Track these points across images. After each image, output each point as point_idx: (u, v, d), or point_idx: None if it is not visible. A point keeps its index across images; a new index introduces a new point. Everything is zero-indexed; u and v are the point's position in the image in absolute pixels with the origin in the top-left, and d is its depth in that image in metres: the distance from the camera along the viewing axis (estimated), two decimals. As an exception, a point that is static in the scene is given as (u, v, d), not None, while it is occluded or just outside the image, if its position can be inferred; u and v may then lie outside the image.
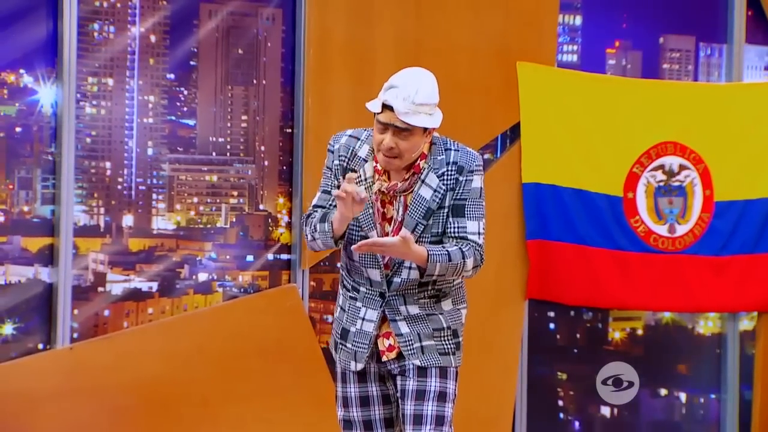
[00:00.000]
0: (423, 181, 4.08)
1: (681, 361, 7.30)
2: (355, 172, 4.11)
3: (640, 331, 7.22)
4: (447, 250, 4.02)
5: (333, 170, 4.16)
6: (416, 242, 4.01)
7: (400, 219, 4.09)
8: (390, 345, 4.14)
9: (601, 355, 7.05)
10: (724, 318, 7.18)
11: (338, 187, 4.11)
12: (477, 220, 4.10)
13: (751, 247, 6.95)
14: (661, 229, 6.82)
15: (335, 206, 4.08)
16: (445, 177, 4.09)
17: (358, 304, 4.17)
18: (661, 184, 6.82)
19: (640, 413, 7.17)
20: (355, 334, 4.16)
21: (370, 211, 4.09)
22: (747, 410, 7.15)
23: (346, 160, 4.14)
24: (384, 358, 4.15)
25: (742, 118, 6.96)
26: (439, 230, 4.09)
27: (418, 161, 4.09)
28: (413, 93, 3.97)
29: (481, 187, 4.12)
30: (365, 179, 4.11)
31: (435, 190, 4.08)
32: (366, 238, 4.07)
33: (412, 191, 4.09)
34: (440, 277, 4.06)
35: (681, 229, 6.85)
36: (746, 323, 7.23)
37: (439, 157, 4.10)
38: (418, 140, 4.03)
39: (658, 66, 7.24)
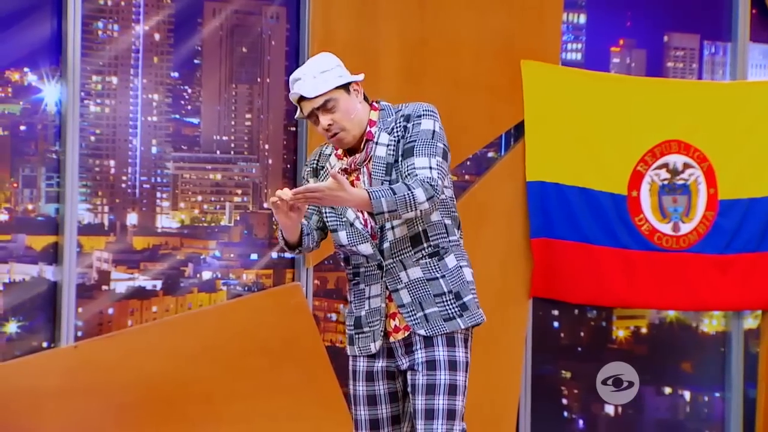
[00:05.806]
0: (377, 143, 4.11)
1: (685, 359, 7.29)
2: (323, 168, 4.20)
3: (644, 330, 7.22)
4: (390, 187, 3.96)
5: (306, 178, 4.26)
6: None
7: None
8: (396, 326, 4.15)
9: (605, 353, 7.05)
10: (728, 316, 7.18)
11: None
12: (427, 156, 4.02)
13: (756, 246, 6.94)
14: (666, 228, 6.81)
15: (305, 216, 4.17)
16: (395, 129, 4.11)
17: (362, 285, 4.19)
18: (666, 182, 6.81)
19: (645, 411, 7.17)
20: (366, 315, 4.18)
21: None
22: (751, 409, 7.15)
23: (315, 162, 4.25)
24: (392, 339, 4.15)
25: (746, 117, 6.95)
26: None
27: (369, 128, 4.12)
28: (310, 71, 4.06)
29: (434, 130, 4.06)
30: (332, 168, 4.16)
31: (388, 145, 4.10)
32: (349, 224, 4.13)
33: (371, 159, 4.12)
34: (392, 214, 3.92)
35: (685, 228, 6.85)
36: (751, 321, 7.23)
37: (388, 119, 4.13)
38: (347, 102, 4.08)
39: (662, 64, 7.24)
